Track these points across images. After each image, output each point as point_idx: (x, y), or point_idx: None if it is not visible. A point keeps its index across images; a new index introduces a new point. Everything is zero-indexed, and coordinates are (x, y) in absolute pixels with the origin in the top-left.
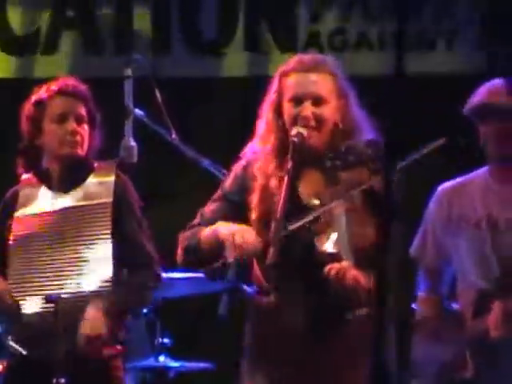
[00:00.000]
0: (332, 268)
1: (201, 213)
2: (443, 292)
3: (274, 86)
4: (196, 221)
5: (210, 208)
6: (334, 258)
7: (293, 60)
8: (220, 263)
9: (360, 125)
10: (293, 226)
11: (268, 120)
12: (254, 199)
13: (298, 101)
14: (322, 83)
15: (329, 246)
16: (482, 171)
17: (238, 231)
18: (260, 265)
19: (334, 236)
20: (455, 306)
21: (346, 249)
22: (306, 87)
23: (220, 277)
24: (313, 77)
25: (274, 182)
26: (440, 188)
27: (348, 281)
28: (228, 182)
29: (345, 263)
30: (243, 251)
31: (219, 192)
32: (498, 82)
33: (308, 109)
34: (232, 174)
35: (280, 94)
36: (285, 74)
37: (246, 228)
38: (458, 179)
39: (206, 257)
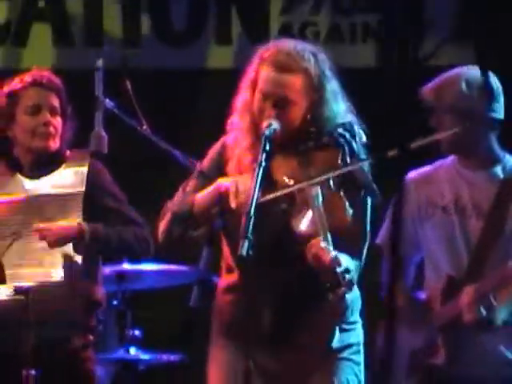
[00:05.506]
0: (311, 246)
1: (183, 188)
2: (410, 280)
3: (254, 64)
4: (179, 194)
5: (190, 184)
6: (310, 238)
7: (272, 49)
8: (217, 210)
9: (334, 113)
10: (264, 199)
11: (245, 97)
12: (231, 168)
13: (264, 96)
14: (291, 85)
15: (304, 226)
16: (451, 158)
17: (241, 178)
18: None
19: (309, 216)
20: (420, 294)
21: (323, 230)
22: (274, 87)
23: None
24: (283, 78)
25: (247, 159)
26: (407, 176)
27: (326, 262)
28: (206, 159)
29: (323, 244)
30: (246, 198)
31: (198, 169)
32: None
33: (269, 111)
34: (211, 151)
35: (257, 74)
36: (262, 60)
37: (248, 176)
38: (426, 167)
39: (198, 220)
